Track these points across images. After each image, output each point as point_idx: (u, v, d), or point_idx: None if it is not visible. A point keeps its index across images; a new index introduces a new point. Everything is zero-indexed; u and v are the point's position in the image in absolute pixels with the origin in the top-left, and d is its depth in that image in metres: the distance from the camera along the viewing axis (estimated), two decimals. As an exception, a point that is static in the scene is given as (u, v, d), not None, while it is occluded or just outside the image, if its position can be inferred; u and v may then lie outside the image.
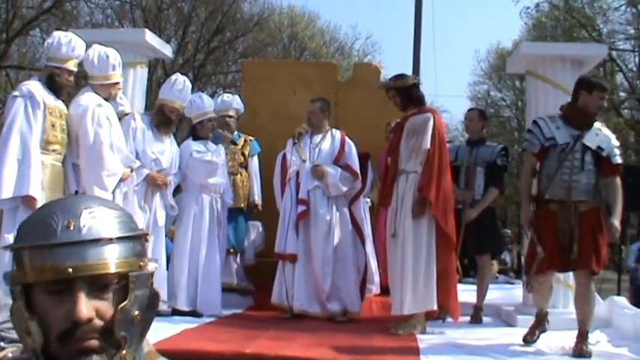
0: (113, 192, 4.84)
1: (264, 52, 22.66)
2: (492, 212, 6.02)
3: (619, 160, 4.51)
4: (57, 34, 4.73)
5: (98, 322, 1.10)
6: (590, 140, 4.42)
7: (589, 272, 4.37)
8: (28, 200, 4.28)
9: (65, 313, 1.08)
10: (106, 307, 1.12)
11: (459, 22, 58.47)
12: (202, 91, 10.03)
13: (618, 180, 4.51)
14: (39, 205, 3.62)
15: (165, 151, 5.61)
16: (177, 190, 5.94)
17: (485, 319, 5.76)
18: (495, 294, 6.47)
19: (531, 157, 4.61)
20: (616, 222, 4.40)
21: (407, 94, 5.25)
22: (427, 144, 5.06)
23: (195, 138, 5.96)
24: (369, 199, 6.76)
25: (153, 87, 15.73)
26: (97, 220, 1.12)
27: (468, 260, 7.28)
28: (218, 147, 5.93)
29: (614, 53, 19.99)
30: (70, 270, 1.07)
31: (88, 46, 4.90)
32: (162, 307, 5.46)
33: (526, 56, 6.12)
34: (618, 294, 8.03)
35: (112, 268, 1.11)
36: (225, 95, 6.91)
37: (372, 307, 6.19)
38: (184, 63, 20.48)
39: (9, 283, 1.13)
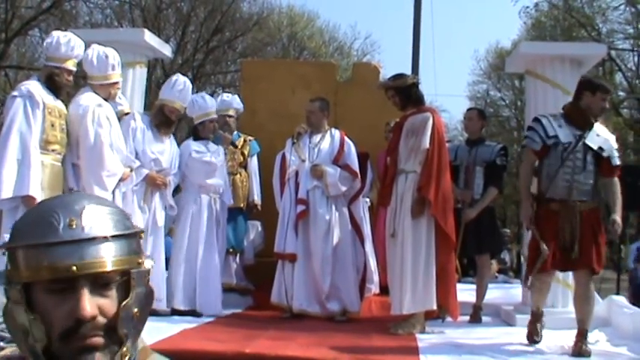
0: (113, 192, 4.84)
1: (263, 52, 22.67)
2: (492, 212, 6.02)
3: (618, 161, 4.56)
4: (56, 33, 4.72)
5: (101, 320, 1.11)
6: (592, 140, 4.44)
7: (589, 272, 4.39)
8: (28, 200, 4.27)
9: (68, 312, 1.09)
10: (109, 304, 1.12)
11: (458, 22, 58.48)
12: (202, 91, 10.03)
13: (617, 180, 4.55)
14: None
15: (165, 151, 5.61)
16: (177, 190, 5.94)
17: (484, 318, 5.77)
18: (495, 293, 6.48)
19: (531, 155, 4.58)
20: (618, 218, 4.43)
21: (406, 93, 5.25)
22: (426, 144, 5.06)
23: (196, 138, 5.96)
24: (368, 199, 6.76)
25: (152, 87, 15.71)
26: (98, 218, 1.13)
27: (468, 260, 7.29)
28: (218, 148, 5.94)
29: (613, 53, 20.01)
30: (75, 268, 1.08)
31: (87, 46, 4.90)
32: (159, 306, 5.45)
33: (525, 56, 6.12)
34: (617, 293, 8.04)
35: (115, 266, 1.12)
36: (225, 95, 6.91)
37: (372, 306, 6.19)
38: (183, 63, 20.49)
39: (4, 282, 1.13)
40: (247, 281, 6.50)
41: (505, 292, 6.98)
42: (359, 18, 65.52)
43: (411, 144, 5.15)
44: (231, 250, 6.25)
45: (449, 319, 5.24)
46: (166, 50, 7.06)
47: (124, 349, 1.14)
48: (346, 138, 5.91)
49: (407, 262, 4.97)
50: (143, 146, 5.47)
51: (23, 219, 1.16)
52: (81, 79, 5.21)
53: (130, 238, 1.16)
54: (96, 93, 4.88)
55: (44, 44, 4.71)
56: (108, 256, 1.11)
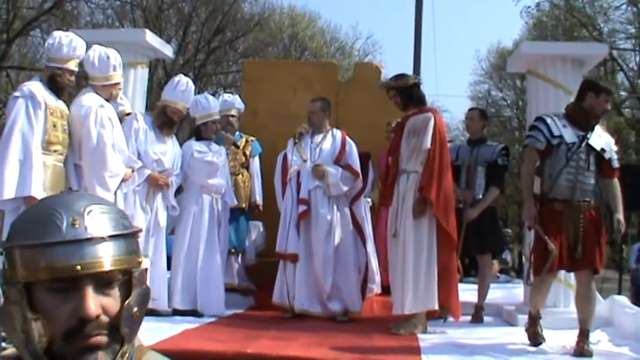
0: (115, 192, 4.84)
1: (264, 52, 22.67)
2: (493, 212, 6.02)
3: (617, 164, 4.60)
4: (57, 34, 4.72)
5: (104, 319, 1.11)
6: (595, 141, 4.47)
7: (592, 271, 4.39)
8: (30, 201, 4.27)
9: (72, 311, 1.09)
10: (111, 303, 1.13)
11: (460, 22, 58.46)
12: (203, 91, 10.05)
13: (617, 181, 4.59)
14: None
15: (168, 151, 5.62)
16: (180, 191, 5.95)
17: (486, 318, 5.76)
18: (496, 293, 6.47)
19: (534, 154, 4.54)
20: (621, 217, 4.47)
21: (407, 93, 5.25)
22: (428, 144, 5.06)
23: (199, 138, 5.97)
24: (369, 199, 6.76)
25: (153, 87, 15.73)
26: (100, 218, 1.13)
27: (469, 260, 7.28)
28: (220, 148, 5.94)
29: (614, 52, 19.98)
30: (79, 267, 1.08)
31: (89, 46, 4.91)
32: (160, 306, 5.46)
33: (527, 56, 6.12)
34: (619, 293, 8.03)
35: (118, 265, 1.13)
36: (226, 95, 6.92)
37: (373, 306, 6.19)
38: (185, 63, 20.50)
39: (1, 282, 1.12)
40: (249, 281, 6.50)
41: (507, 292, 6.98)
42: (360, 18, 65.55)
43: (412, 144, 5.15)
44: (232, 250, 6.26)
45: (451, 319, 5.24)
46: (168, 51, 7.06)
47: (125, 347, 1.14)
48: (348, 138, 5.91)
49: (408, 262, 4.97)
50: (145, 147, 5.47)
51: (23, 218, 1.15)
52: (82, 79, 5.20)
53: (131, 237, 1.17)
54: (97, 94, 4.88)
55: (45, 45, 4.71)
56: (112, 256, 1.12)
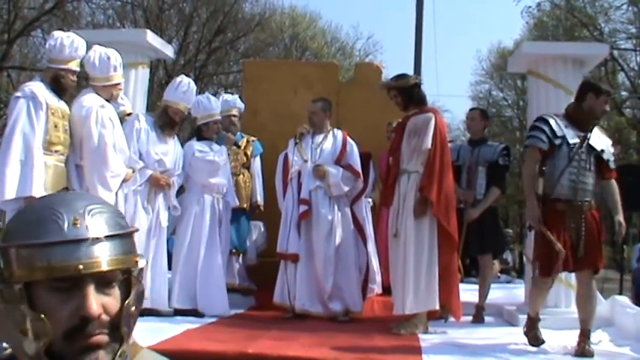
0: (116, 192, 4.85)
1: (265, 53, 22.67)
2: (494, 212, 6.02)
3: (613, 165, 4.62)
4: (57, 34, 4.73)
5: (105, 318, 1.11)
6: (595, 142, 4.47)
7: (593, 271, 4.40)
8: (31, 201, 4.27)
9: (73, 310, 1.09)
10: (112, 302, 1.13)
11: (460, 22, 58.42)
12: (204, 92, 10.03)
13: (614, 182, 4.61)
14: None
15: (169, 152, 5.62)
16: (181, 191, 5.95)
17: (487, 318, 5.76)
18: (497, 293, 6.48)
19: (536, 154, 4.49)
20: (622, 219, 4.48)
21: (408, 93, 5.25)
22: (428, 144, 5.07)
23: (200, 138, 5.97)
24: (370, 199, 6.76)
25: (154, 87, 15.73)
26: (100, 217, 1.14)
27: (470, 260, 7.28)
28: (221, 148, 5.95)
29: (615, 52, 19.96)
30: (81, 267, 1.08)
31: (89, 46, 4.91)
32: (161, 306, 5.46)
33: (527, 56, 6.12)
34: (620, 293, 8.03)
35: (119, 264, 1.13)
36: (227, 95, 6.92)
37: (374, 306, 6.19)
38: (186, 63, 20.49)
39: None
40: (250, 281, 6.51)
41: (508, 293, 6.98)
42: (361, 18, 65.46)
43: (413, 144, 5.15)
44: (234, 250, 6.26)
45: (451, 319, 5.24)
46: (168, 51, 7.07)
47: (124, 346, 1.15)
48: (348, 138, 5.91)
49: (409, 262, 4.97)
50: (147, 147, 5.48)
51: (21, 218, 1.15)
52: (83, 79, 5.21)
53: (128, 237, 1.18)
54: (98, 94, 4.89)
55: (47, 46, 4.70)
56: (112, 255, 1.12)
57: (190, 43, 21.46)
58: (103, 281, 1.12)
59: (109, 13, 20.43)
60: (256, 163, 6.63)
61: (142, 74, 6.40)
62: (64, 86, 4.66)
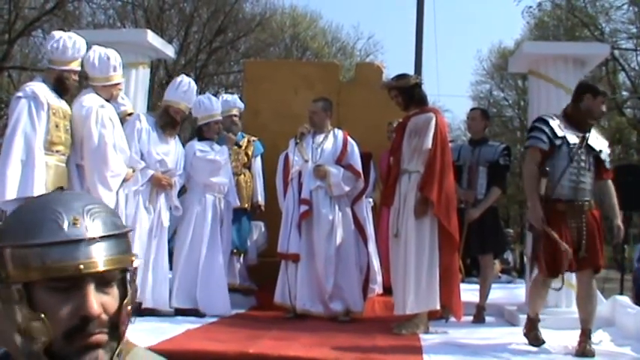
0: (117, 192, 4.85)
1: (266, 52, 22.67)
2: (495, 212, 6.01)
3: (609, 165, 4.65)
4: (58, 35, 4.72)
5: (105, 317, 1.12)
6: (593, 142, 4.49)
7: (593, 270, 4.40)
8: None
9: (74, 310, 1.09)
10: (111, 301, 1.14)
11: (461, 22, 58.39)
12: (204, 92, 10.04)
13: (611, 182, 4.62)
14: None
15: (170, 152, 5.63)
16: (183, 191, 5.95)
17: (487, 318, 5.76)
18: (498, 293, 6.47)
19: (537, 154, 4.47)
20: (620, 223, 4.52)
21: (409, 93, 5.26)
22: (429, 144, 5.06)
23: (201, 138, 5.98)
24: (371, 199, 6.76)
25: (155, 87, 15.73)
26: (99, 217, 1.14)
27: (471, 260, 7.28)
28: (223, 147, 5.96)
29: (616, 52, 19.96)
30: (82, 267, 1.09)
31: (89, 47, 4.91)
32: (162, 306, 5.46)
33: (528, 56, 6.12)
34: (621, 293, 8.02)
35: (118, 264, 1.14)
36: (227, 95, 6.92)
37: (375, 306, 6.19)
38: (186, 63, 20.50)
39: None
40: (250, 282, 6.51)
41: (508, 293, 6.98)
42: (362, 18, 65.44)
43: (414, 144, 5.15)
44: (235, 250, 6.26)
45: (452, 319, 5.24)
46: (169, 51, 7.07)
47: (121, 345, 1.16)
48: (349, 138, 5.91)
49: (410, 263, 4.97)
50: (148, 147, 5.48)
51: (18, 218, 1.14)
52: (83, 79, 5.21)
53: (125, 236, 1.18)
54: (98, 94, 4.89)
55: (48, 48, 4.69)
56: (111, 255, 1.13)
57: (191, 43, 21.47)
58: (102, 281, 1.12)
59: (109, 13, 20.46)
60: (257, 163, 6.63)
61: (143, 74, 6.40)
62: (67, 87, 4.68)
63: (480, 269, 6.14)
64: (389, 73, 7.95)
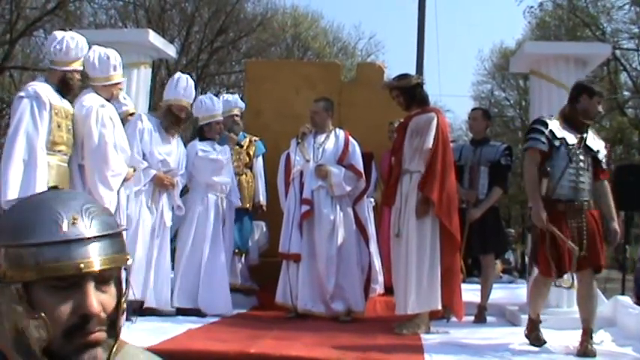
0: (118, 192, 4.85)
1: (267, 52, 22.66)
2: (496, 212, 6.02)
3: (606, 166, 4.66)
4: (60, 35, 4.71)
5: (103, 315, 1.13)
6: (591, 143, 4.49)
7: (595, 270, 4.40)
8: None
9: (74, 308, 1.10)
10: (109, 299, 1.15)
11: (462, 22, 58.42)
12: (206, 92, 10.05)
13: (607, 183, 4.64)
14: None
15: (172, 151, 5.63)
16: (185, 191, 5.95)
17: (489, 318, 5.76)
18: (499, 293, 6.47)
19: (537, 155, 4.48)
20: (617, 226, 4.53)
21: (410, 93, 5.26)
22: (430, 143, 5.06)
23: (202, 139, 5.98)
24: (372, 199, 6.76)
25: (156, 87, 15.73)
26: (96, 216, 1.15)
27: (472, 260, 7.27)
28: (225, 147, 5.97)
29: (618, 52, 19.94)
30: (82, 265, 1.09)
31: (90, 46, 4.91)
32: (164, 306, 5.46)
33: (530, 55, 6.11)
34: (622, 293, 8.02)
35: (115, 262, 1.15)
36: (227, 95, 6.93)
37: (376, 306, 6.20)
38: (188, 63, 20.50)
39: None
40: (252, 281, 6.51)
41: (510, 293, 6.98)
42: (363, 18, 65.42)
43: (415, 144, 5.16)
44: (236, 250, 6.27)
45: (453, 319, 5.25)
46: (170, 51, 7.07)
47: (117, 342, 1.17)
48: (350, 138, 5.92)
49: (411, 262, 4.97)
50: (151, 147, 5.49)
51: (15, 217, 1.14)
52: (84, 79, 5.21)
53: (120, 235, 1.19)
54: (98, 94, 4.88)
55: (51, 49, 4.67)
56: (109, 254, 1.14)
57: (192, 43, 21.47)
58: (100, 279, 1.13)
59: (111, 13, 20.46)
60: (259, 163, 6.64)
61: (144, 74, 6.40)
62: (72, 87, 4.68)
63: (481, 269, 6.14)
64: (390, 73, 7.95)
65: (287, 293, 5.67)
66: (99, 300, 1.12)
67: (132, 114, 5.67)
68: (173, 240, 5.86)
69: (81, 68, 4.73)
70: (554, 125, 4.47)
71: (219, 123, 5.99)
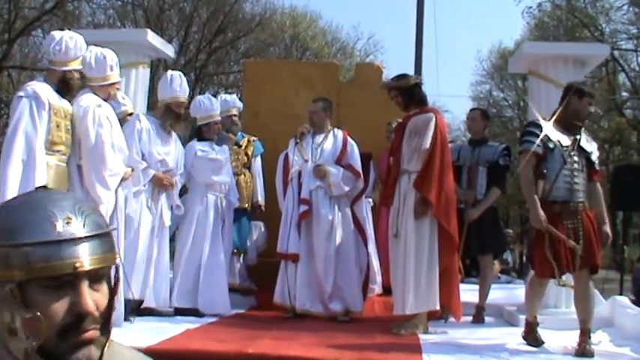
0: (116, 191, 4.85)
1: (266, 53, 22.68)
2: (495, 212, 6.01)
3: (598, 167, 4.70)
4: (58, 35, 4.70)
5: (97, 314, 1.14)
6: (584, 145, 4.51)
7: (591, 270, 4.40)
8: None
9: (68, 307, 1.10)
10: (101, 298, 1.16)
11: (461, 22, 58.46)
12: (204, 92, 10.05)
13: (599, 185, 4.66)
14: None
15: (171, 151, 5.63)
16: (184, 191, 5.95)
17: (487, 318, 5.76)
18: (497, 294, 6.47)
19: (532, 158, 4.47)
20: (608, 230, 4.55)
21: (409, 94, 5.26)
22: (427, 144, 5.06)
23: (201, 139, 5.98)
24: (371, 199, 6.76)
25: (155, 87, 15.72)
26: (88, 216, 1.16)
27: (470, 260, 7.28)
28: (223, 147, 5.97)
29: (616, 53, 19.98)
30: (77, 265, 1.10)
31: (88, 46, 4.91)
32: (162, 306, 5.46)
33: (528, 56, 6.12)
34: (621, 294, 8.03)
35: (107, 261, 1.16)
36: (225, 95, 6.93)
37: (375, 306, 6.20)
38: (186, 63, 20.49)
39: None
40: (250, 281, 6.51)
41: (508, 293, 6.98)
42: (362, 18, 65.45)
43: (413, 144, 5.16)
44: (235, 250, 6.26)
45: (452, 319, 5.24)
46: (169, 51, 7.07)
47: (108, 340, 1.18)
48: (349, 138, 5.91)
49: (410, 263, 4.97)
50: (149, 147, 5.48)
51: (9, 217, 1.14)
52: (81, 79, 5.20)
53: (110, 234, 1.20)
54: (95, 94, 4.88)
55: (50, 49, 4.65)
56: (102, 253, 1.15)
57: (191, 43, 21.48)
58: (94, 278, 1.14)
59: (109, 13, 20.48)
60: (257, 163, 6.64)
61: (143, 74, 6.40)
62: (72, 86, 4.67)
63: (479, 269, 6.14)
64: (389, 74, 7.97)
65: (285, 293, 5.67)
66: (93, 299, 1.13)
67: (131, 114, 5.66)
68: (172, 240, 5.86)
69: (80, 67, 4.72)
70: (549, 127, 4.48)
71: (217, 123, 5.99)
